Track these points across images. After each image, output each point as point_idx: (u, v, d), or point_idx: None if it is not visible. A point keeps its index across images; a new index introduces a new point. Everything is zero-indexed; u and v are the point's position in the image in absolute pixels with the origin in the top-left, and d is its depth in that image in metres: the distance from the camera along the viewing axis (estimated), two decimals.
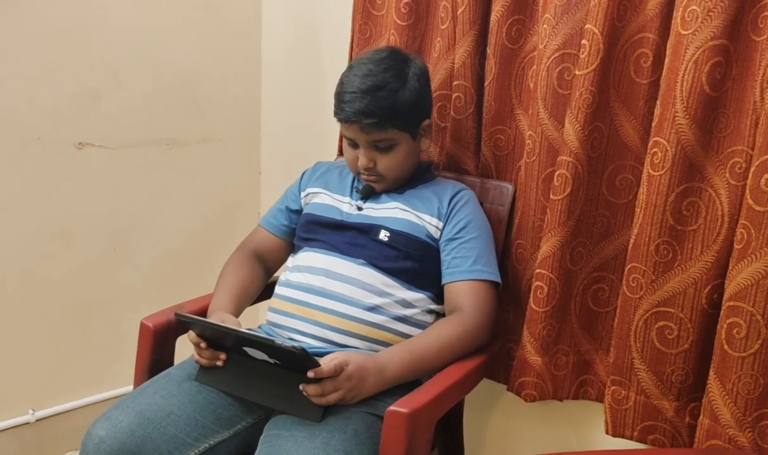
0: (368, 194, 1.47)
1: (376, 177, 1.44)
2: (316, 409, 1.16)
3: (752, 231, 1.07)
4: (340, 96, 1.39)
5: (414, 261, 1.39)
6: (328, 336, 1.33)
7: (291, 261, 1.49)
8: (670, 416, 1.25)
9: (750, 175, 1.08)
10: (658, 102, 1.20)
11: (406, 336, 1.35)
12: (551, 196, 1.35)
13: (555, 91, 1.36)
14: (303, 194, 1.56)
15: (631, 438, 1.30)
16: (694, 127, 1.15)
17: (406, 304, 1.37)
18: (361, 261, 1.38)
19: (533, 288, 1.38)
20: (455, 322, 1.31)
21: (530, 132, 1.43)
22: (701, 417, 1.16)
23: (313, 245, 1.45)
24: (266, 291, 1.55)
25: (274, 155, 2.20)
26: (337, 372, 1.15)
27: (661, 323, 1.22)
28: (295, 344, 1.10)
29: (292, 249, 1.57)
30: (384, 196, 1.47)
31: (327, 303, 1.35)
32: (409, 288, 1.38)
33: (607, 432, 1.32)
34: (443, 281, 1.40)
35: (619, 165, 1.34)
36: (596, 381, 1.43)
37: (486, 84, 1.52)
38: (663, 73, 1.19)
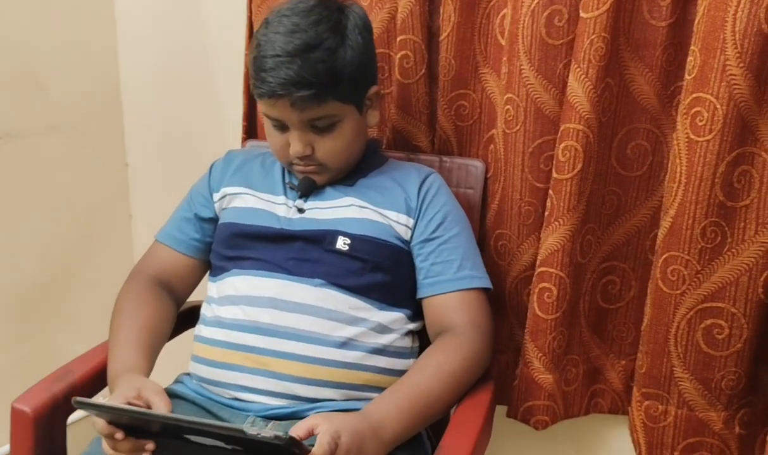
0: (308, 190, 1.12)
1: (316, 166, 1.09)
2: None
3: None
4: (257, 63, 1.02)
5: (385, 273, 1.07)
6: (291, 390, 0.98)
7: (214, 289, 1.10)
8: (718, 428, 1.04)
9: None
10: (694, 48, 0.95)
11: (387, 371, 1.03)
12: (555, 175, 1.07)
13: (543, 42, 1.08)
14: (217, 196, 1.17)
15: None
16: (749, 77, 0.91)
17: (383, 329, 1.05)
18: (317, 280, 1.04)
19: (537, 291, 1.11)
20: (452, 348, 1.01)
21: (509, 95, 1.14)
22: None
23: (246, 265, 1.08)
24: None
25: (142, 142, 1.75)
26: (332, 450, 0.81)
27: (709, 321, 1.00)
28: (279, 433, 0.74)
29: (206, 269, 1.19)
30: (329, 190, 1.13)
31: (282, 344, 0.99)
32: (381, 308, 1.06)
33: None
34: (422, 294, 1.09)
35: (631, 129, 1.09)
36: (608, 390, 1.19)
37: (442, 38, 1.20)
38: (700, 12, 0.94)
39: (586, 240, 1.11)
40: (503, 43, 1.17)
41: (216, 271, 1.13)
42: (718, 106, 0.93)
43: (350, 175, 1.14)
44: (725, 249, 0.98)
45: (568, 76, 1.08)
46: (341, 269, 1.05)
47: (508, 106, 1.15)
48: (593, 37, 1.00)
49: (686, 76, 0.97)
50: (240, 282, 1.06)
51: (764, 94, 0.93)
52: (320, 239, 1.06)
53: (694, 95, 0.95)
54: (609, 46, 1.01)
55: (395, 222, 1.09)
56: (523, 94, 1.12)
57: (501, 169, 1.18)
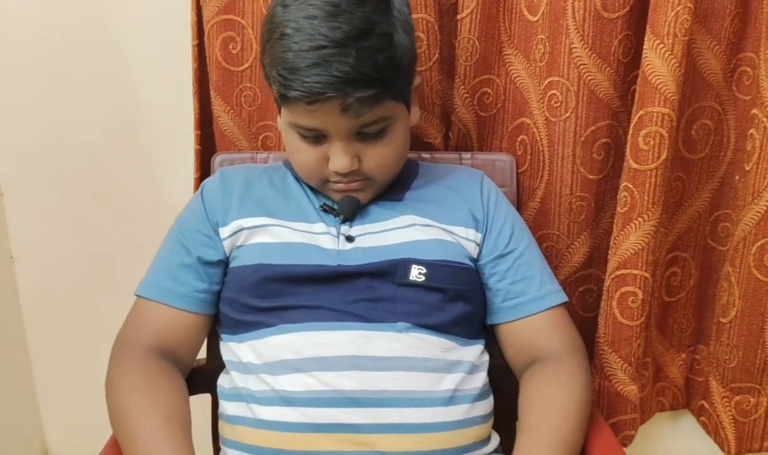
0: (353, 212, 0.90)
1: (361, 181, 0.88)
2: None
3: None
4: (287, 58, 0.79)
5: (465, 302, 0.89)
6: None
7: (246, 351, 0.85)
8: None
9: None
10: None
11: (485, 419, 0.86)
12: (635, 166, 0.95)
13: (598, 16, 0.96)
14: (226, 231, 0.91)
15: (759, 450, 1.03)
16: None
17: (473, 369, 0.87)
18: (401, 324, 0.84)
19: (618, 296, 0.99)
20: (565, 379, 0.86)
21: (553, 78, 1.01)
22: None
23: (298, 317, 0.84)
24: None
25: (17, 163, 1.35)
26: None
27: None
28: None
29: (211, 324, 0.93)
30: (376, 209, 0.92)
31: (385, 414, 0.79)
32: (465, 344, 0.88)
33: (728, 452, 1.03)
34: (503, 319, 0.93)
35: (697, 109, 1.01)
36: (669, 386, 1.12)
37: (463, 15, 1.03)
38: None
39: (660, 233, 1.02)
40: (532, 18, 1.03)
41: (240, 328, 0.88)
42: None
43: (393, 187, 0.94)
44: None
45: (620, 53, 0.98)
46: (422, 305, 0.86)
47: (553, 91, 1.01)
48: (678, 8, 0.89)
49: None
50: (299, 341, 0.82)
51: None
52: (390, 271, 0.86)
53: None
54: (692, 16, 0.91)
55: (464, 239, 0.92)
56: (574, 76, 0.99)
57: (543, 161, 1.05)
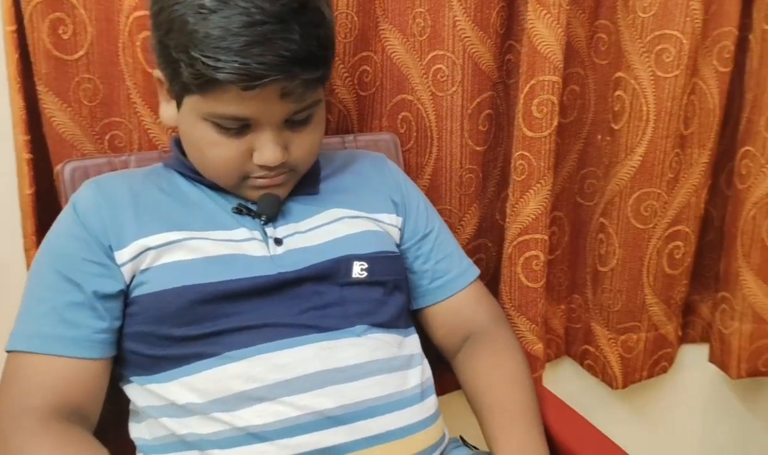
0: (275, 210, 0.81)
1: (285, 174, 0.79)
2: None
3: None
4: (214, 35, 0.67)
5: (401, 292, 0.86)
6: None
7: (183, 390, 0.72)
8: (672, 338, 1.15)
9: None
10: None
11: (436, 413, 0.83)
12: (530, 133, 0.98)
13: None
14: (124, 255, 0.75)
15: (640, 379, 1.14)
16: None
17: (422, 359, 0.85)
18: (359, 328, 0.78)
19: (522, 261, 1.02)
20: (504, 349, 0.87)
21: (437, 52, 1.00)
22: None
23: (244, 340, 0.74)
24: None
25: None
26: None
27: (671, 245, 1.08)
28: None
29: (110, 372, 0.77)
30: (295, 206, 0.84)
31: (369, 427, 0.74)
32: (407, 335, 0.85)
33: (616, 387, 1.13)
34: (433, 299, 0.91)
35: (567, 75, 1.05)
36: (554, 338, 1.19)
37: None
38: None
39: (588, 185, 1.08)
40: None
41: (161, 365, 0.74)
42: (684, 41, 0.97)
43: (305, 180, 0.85)
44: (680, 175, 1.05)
45: (498, 24, 1.00)
46: (369, 303, 0.80)
47: (438, 65, 1.00)
48: None
49: (644, 15, 0.98)
50: (255, 368, 0.71)
51: None
52: (332, 272, 0.79)
53: (657, 33, 0.97)
54: None
55: (389, 225, 0.87)
56: (459, 49, 0.99)
57: (431, 137, 1.04)
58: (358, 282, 0.79)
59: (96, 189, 0.79)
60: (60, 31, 0.92)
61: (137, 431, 0.77)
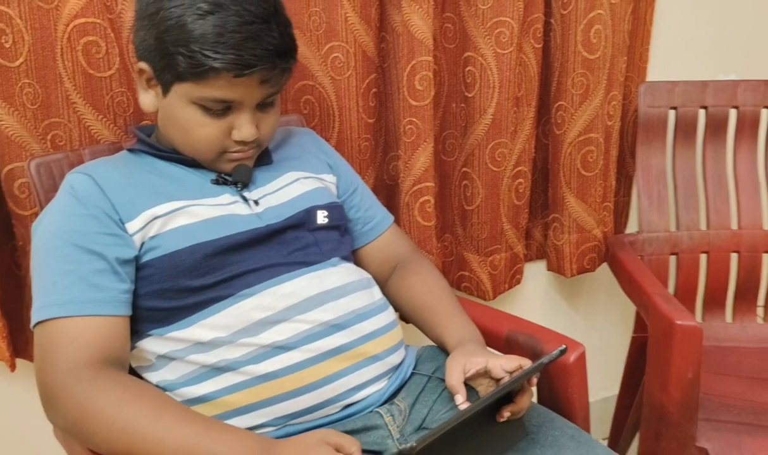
0: (249, 178, 0.99)
1: (254, 150, 0.98)
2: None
3: None
4: (213, 32, 0.84)
5: (347, 233, 1.09)
6: (389, 363, 0.98)
7: (204, 330, 0.88)
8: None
9: None
10: None
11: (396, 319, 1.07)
12: (415, 103, 1.25)
13: None
14: (135, 225, 0.89)
15: (503, 291, 1.46)
16: None
17: (374, 281, 1.07)
18: (334, 259, 0.99)
19: (418, 205, 1.29)
20: (428, 269, 1.13)
21: (334, 43, 1.22)
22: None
23: (252, 281, 0.91)
24: None
25: None
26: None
27: (518, 180, 1.41)
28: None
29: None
30: (259, 174, 1.03)
31: (363, 327, 0.95)
32: (356, 266, 1.08)
33: (489, 299, 1.44)
34: (367, 239, 1.15)
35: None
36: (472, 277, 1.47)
37: None
38: None
39: (449, 144, 1.36)
40: None
41: (180, 314, 0.89)
42: (514, 25, 1.29)
43: (262, 154, 1.03)
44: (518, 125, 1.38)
45: (376, 18, 1.24)
46: (333, 242, 1.01)
47: (335, 54, 1.22)
48: None
49: (484, 7, 1.28)
50: (267, 299, 0.89)
51: None
52: (303, 221, 0.98)
53: (495, 20, 1.28)
54: None
55: (329, 183, 1.09)
56: (351, 40, 1.22)
57: (333, 115, 1.26)
58: (324, 227, 1.00)
59: (89, 175, 0.90)
60: (2, 41, 1.00)
61: (158, 376, 0.90)
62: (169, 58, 0.86)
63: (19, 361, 1.14)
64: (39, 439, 1.14)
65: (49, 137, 1.07)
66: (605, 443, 1.47)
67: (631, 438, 1.51)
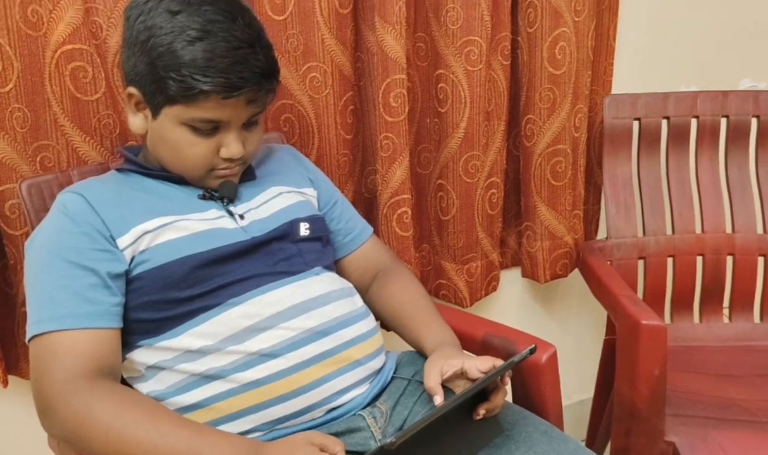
0: (234, 193, 1.04)
1: (240, 167, 1.03)
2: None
3: None
4: (203, 57, 0.89)
5: (329, 244, 1.14)
6: (371, 368, 1.02)
7: (192, 339, 0.92)
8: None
9: None
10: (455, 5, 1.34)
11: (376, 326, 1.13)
12: (390, 119, 1.30)
13: (337, 13, 1.26)
14: (125, 240, 0.94)
15: (480, 298, 1.52)
16: None
17: (355, 290, 1.12)
18: (317, 269, 1.05)
19: (396, 216, 1.34)
20: (408, 278, 1.18)
21: (312, 63, 1.27)
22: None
23: (238, 290, 0.96)
24: None
25: None
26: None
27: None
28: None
29: None
30: (243, 190, 1.08)
31: (346, 334, 1.00)
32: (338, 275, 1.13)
33: (466, 306, 1.49)
34: (348, 250, 1.20)
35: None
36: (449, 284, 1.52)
37: None
38: None
39: (424, 158, 1.42)
40: (278, 18, 1.26)
41: (169, 325, 0.93)
42: (483, 44, 1.35)
43: (246, 170, 1.08)
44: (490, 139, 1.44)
45: (352, 39, 1.30)
46: (315, 252, 1.06)
47: (313, 74, 1.28)
48: (401, 3, 1.25)
49: (454, 27, 1.34)
50: (253, 308, 0.94)
51: None
52: (287, 233, 1.03)
53: (464, 39, 1.35)
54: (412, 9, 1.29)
55: (311, 197, 1.14)
56: (328, 60, 1.28)
57: (312, 132, 1.31)
58: (306, 239, 1.05)
59: (80, 194, 0.94)
60: None
61: (148, 387, 0.94)
62: (160, 82, 0.91)
63: (11, 378, 1.17)
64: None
65: (38, 159, 1.11)
66: None
67: (607, 439, 1.57)
